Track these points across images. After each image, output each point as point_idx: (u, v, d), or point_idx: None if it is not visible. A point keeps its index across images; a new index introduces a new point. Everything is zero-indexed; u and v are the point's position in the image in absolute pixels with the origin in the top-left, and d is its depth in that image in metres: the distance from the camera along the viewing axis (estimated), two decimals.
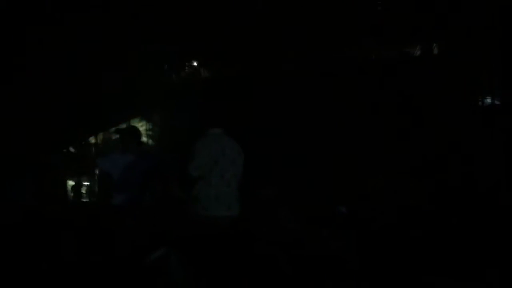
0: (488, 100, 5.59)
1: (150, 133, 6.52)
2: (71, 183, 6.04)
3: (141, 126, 6.55)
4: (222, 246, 3.88)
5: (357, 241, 4.54)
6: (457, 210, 4.88)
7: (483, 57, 5.54)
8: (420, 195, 5.27)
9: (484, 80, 5.59)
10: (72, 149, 6.01)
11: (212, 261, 3.82)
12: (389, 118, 5.66)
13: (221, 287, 3.73)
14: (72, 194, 5.65)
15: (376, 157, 5.60)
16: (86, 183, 5.86)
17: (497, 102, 5.46)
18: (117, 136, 5.61)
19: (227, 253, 3.89)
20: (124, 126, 4.80)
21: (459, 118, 5.41)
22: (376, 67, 5.79)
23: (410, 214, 5.02)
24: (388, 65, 5.74)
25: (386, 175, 5.44)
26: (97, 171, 4.47)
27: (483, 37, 5.47)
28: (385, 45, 5.85)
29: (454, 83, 5.53)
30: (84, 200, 5.35)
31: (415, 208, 5.09)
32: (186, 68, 6.65)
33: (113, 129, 5.67)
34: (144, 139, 6.48)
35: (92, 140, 6.44)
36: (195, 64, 6.66)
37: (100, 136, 6.40)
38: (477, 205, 4.87)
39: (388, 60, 5.80)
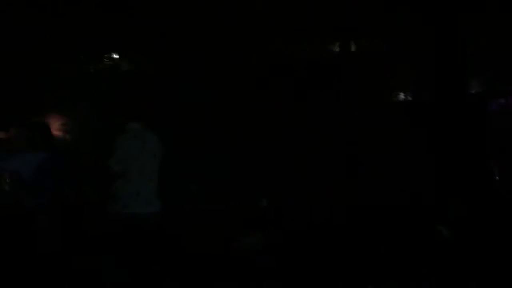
0: (405, 97, 5.97)
1: (66, 128, 6.34)
2: None
3: (56, 121, 6.35)
4: (143, 244, 3.90)
5: (275, 236, 4.71)
6: (383, 208, 5.17)
7: (401, 55, 5.89)
8: (344, 193, 5.53)
9: (401, 77, 5.95)
10: None
11: (134, 259, 3.83)
12: (311, 115, 5.90)
13: (145, 284, 3.77)
14: None
15: (302, 155, 5.82)
16: None
17: (413, 99, 5.85)
18: (24, 133, 5.38)
19: (148, 250, 3.92)
20: (34, 121, 4.64)
21: (378, 115, 5.73)
22: (298, 65, 6.01)
23: (334, 211, 5.27)
24: (311, 62, 5.98)
25: (312, 172, 5.68)
26: (4, 171, 4.30)
27: (401, 34, 5.82)
28: (307, 43, 6.07)
29: (373, 80, 5.86)
30: None
31: (337, 205, 5.34)
32: (105, 60, 6.55)
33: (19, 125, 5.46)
34: (59, 134, 6.29)
35: (2, 136, 6.13)
36: (115, 56, 6.56)
37: (11, 132, 6.10)
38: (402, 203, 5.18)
39: (310, 58, 6.03)
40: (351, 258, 4.42)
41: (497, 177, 5.47)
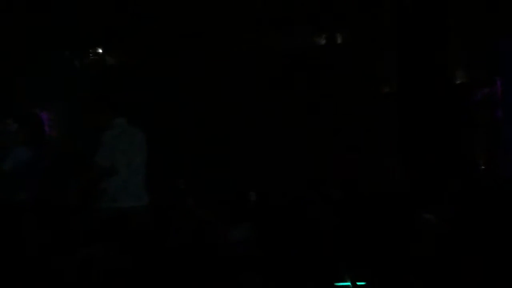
0: (389, 89, 6.09)
1: (52, 123, 6.41)
2: None
3: (44, 116, 6.41)
4: (133, 238, 4.02)
5: (264, 229, 4.83)
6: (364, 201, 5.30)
7: (383, 46, 6.01)
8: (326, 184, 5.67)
9: (384, 69, 6.07)
10: None
11: (124, 253, 3.95)
12: (296, 108, 6.02)
13: (135, 279, 3.89)
14: None
15: (284, 147, 5.94)
16: None
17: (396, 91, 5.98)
18: (15, 126, 5.42)
19: (137, 244, 4.03)
20: (26, 114, 4.70)
21: (362, 107, 5.86)
22: (282, 57, 6.11)
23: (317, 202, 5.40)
24: (295, 55, 6.08)
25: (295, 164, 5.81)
26: None
27: (383, 26, 5.94)
28: (291, 34, 6.15)
29: (358, 72, 5.98)
30: None
31: (321, 197, 5.48)
32: (91, 55, 6.60)
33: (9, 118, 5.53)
34: (48, 129, 6.35)
35: None
36: (100, 51, 6.63)
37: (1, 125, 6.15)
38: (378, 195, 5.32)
39: (294, 50, 6.13)
40: (339, 249, 4.55)
41: (482, 166, 5.64)
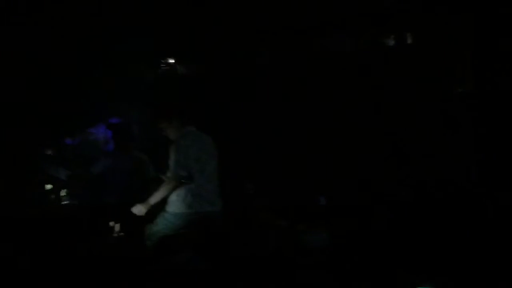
0: (462, 90, 6.01)
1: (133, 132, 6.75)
2: (48, 186, 6.17)
3: None
4: (208, 242, 4.26)
5: (336, 234, 4.92)
6: (436, 203, 5.29)
7: (456, 46, 5.94)
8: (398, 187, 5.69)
9: (457, 69, 5.99)
10: (49, 152, 6.22)
11: (199, 257, 4.20)
12: (362, 110, 6.06)
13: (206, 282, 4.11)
14: (51, 198, 5.84)
15: (353, 149, 6.00)
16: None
17: (469, 92, 5.89)
18: (95, 135, 5.85)
19: (214, 248, 4.27)
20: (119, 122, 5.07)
21: (432, 108, 5.82)
22: (350, 59, 6.15)
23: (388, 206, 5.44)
24: (363, 56, 6.12)
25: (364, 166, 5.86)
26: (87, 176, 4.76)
27: (456, 25, 5.87)
28: (358, 35, 6.17)
29: (429, 72, 5.95)
30: (65, 203, 5.61)
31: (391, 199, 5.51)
32: (163, 65, 6.89)
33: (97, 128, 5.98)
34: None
35: (69, 140, 6.65)
36: (171, 61, 6.90)
37: (77, 136, 6.63)
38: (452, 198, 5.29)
39: (363, 51, 6.16)
40: (412, 255, 4.58)
41: None
